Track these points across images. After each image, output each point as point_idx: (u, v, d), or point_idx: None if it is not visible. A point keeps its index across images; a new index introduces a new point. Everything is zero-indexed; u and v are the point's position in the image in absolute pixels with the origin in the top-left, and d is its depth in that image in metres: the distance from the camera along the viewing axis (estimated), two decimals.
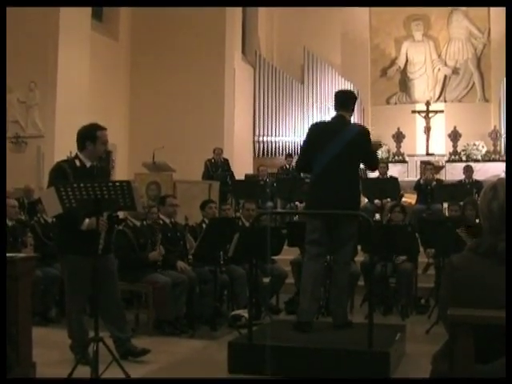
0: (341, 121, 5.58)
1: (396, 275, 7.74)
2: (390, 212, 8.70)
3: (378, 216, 10.25)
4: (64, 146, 9.92)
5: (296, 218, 9.81)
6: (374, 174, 10.98)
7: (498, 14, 16.19)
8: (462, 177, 11.87)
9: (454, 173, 14.50)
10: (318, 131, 5.63)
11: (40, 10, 11.48)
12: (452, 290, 2.38)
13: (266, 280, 7.34)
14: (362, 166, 6.12)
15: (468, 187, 10.74)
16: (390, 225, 8.29)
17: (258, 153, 17.30)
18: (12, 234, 6.86)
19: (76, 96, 12.17)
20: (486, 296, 2.28)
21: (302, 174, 10.25)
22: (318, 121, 7.14)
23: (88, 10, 12.82)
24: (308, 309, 5.41)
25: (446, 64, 17.71)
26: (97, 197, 4.32)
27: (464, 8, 17.21)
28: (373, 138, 5.72)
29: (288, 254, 8.17)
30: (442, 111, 16.87)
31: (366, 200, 10.54)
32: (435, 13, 17.53)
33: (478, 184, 10.79)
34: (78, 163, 4.99)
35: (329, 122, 5.82)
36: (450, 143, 16.63)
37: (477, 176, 12.00)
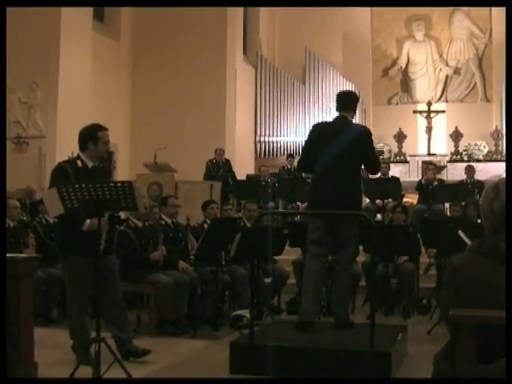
0: (342, 121, 5.58)
1: (397, 275, 7.74)
2: (391, 212, 8.71)
3: (379, 216, 10.25)
4: (65, 147, 9.93)
5: (297, 218, 9.81)
6: (376, 175, 10.97)
7: (499, 14, 16.17)
8: (463, 177, 11.86)
9: (455, 173, 14.47)
10: (319, 131, 5.63)
11: (41, 10, 11.49)
12: (453, 291, 2.38)
13: (268, 280, 7.34)
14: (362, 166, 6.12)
15: (469, 187, 10.74)
16: (391, 225, 8.30)
17: (260, 153, 17.29)
18: (14, 234, 6.87)
19: (77, 96, 12.18)
20: (488, 296, 2.28)
21: (303, 174, 10.25)
22: (320, 121, 7.13)
23: (89, 11, 12.82)
24: (310, 309, 5.41)
25: (447, 64, 17.70)
26: (98, 197, 4.32)
27: (465, 8, 17.19)
28: (374, 138, 5.71)
29: (289, 254, 8.17)
30: (443, 111, 16.85)
31: (368, 200, 10.54)
32: (437, 13, 17.52)
33: (480, 184, 10.78)
34: (79, 163, 4.99)
35: (330, 123, 5.82)
36: (452, 143, 16.61)
37: (478, 176, 12.00)
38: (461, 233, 6.61)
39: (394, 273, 7.72)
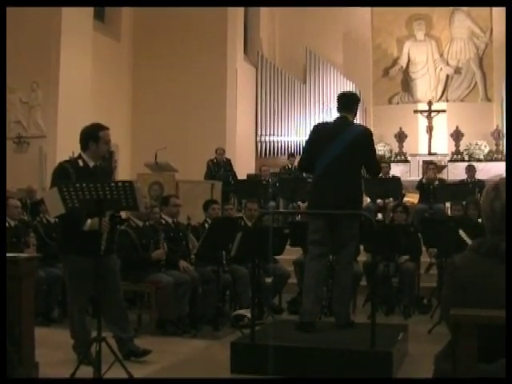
0: (343, 122, 5.58)
1: (398, 275, 7.74)
2: (392, 212, 8.72)
3: (380, 216, 10.26)
4: (66, 146, 9.94)
5: (298, 217, 9.81)
6: None
7: (500, 13, 16.15)
8: (464, 176, 11.86)
9: (456, 172, 14.47)
10: (320, 132, 5.63)
11: (42, 10, 11.50)
12: (454, 290, 2.38)
13: (269, 280, 7.34)
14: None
15: (470, 187, 10.74)
16: (392, 224, 8.30)
17: (261, 153, 17.29)
18: (15, 234, 6.88)
19: (78, 96, 12.19)
20: (488, 296, 2.28)
21: (304, 174, 10.26)
22: (321, 121, 7.13)
23: (90, 11, 12.83)
24: (310, 309, 5.41)
25: (448, 64, 17.70)
26: (99, 197, 4.31)
27: (466, 8, 17.20)
28: (375, 138, 5.70)
29: (290, 254, 8.18)
30: (444, 111, 16.84)
31: (369, 200, 10.54)
32: (437, 12, 17.52)
33: (481, 183, 10.78)
34: (81, 163, 4.99)
35: (331, 123, 5.81)
36: (453, 143, 16.61)
37: (479, 175, 11.99)
38: (461, 232, 6.61)
39: (394, 272, 7.73)
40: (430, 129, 16.53)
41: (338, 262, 5.69)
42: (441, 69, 17.75)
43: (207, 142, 13.36)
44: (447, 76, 17.70)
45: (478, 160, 15.72)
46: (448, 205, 10.39)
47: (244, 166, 14.77)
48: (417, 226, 8.10)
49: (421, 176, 13.03)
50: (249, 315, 6.12)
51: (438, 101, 17.30)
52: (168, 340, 6.15)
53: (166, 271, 6.56)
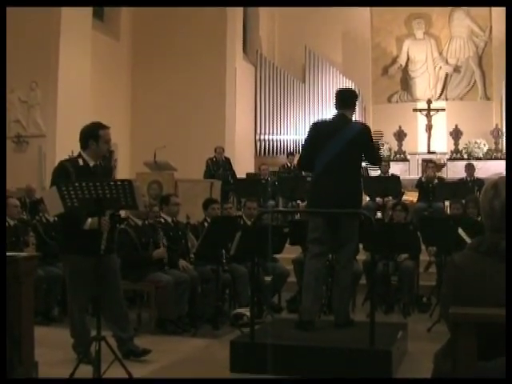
0: (342, 119, 5.58)
1: (398, 273, 7.74)
2: (391, 210, 8.71)
3: (379, 214, 10.25)
4: (65, 146, 9.94)
5: (298, 216, 9.81)
6: (376, 173, 10.99)
7: (499, 12, 16.15)
8: (463, 175, 11.87)
9: (455, 171, 14.49)
10: (319, 130, 5.62)
11: (41, 9, 11.48)
12: (454, 289, 2.38)
13: (268, 279, 7.34)
14: (364, 164, 6.11)
15: (469, 185, 10.75)
16: (391, 223, 8.30)
17: (260, 151, 17.30)
18: (14, 233, 6.87)
19: (77, 95, 12.18)
20: (488, 294, 2.28)
21: (303, 173, 10.25)
22: (319, 119, 7.13)
23: (89, 10, 12.82)
24: (310, 307, 5.41)
25: (447, 62, 17.70)
26: (98, 196, 4.31)
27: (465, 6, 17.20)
28: (374, 135, 5.70)
29: (290, 253, 8.17)
30: (443, 109, 16.84)
31: (368, 198, 10.54)
32: (436, 11, 17.51)
33: (480, 182, 10.78)
34: (81, 162, 4.98)
35: (330, 121, 5.81)
36: (452, 141, 16.63)
37: (478, 174, 12.01)
38: (461, 231, 6.61)
39: (394, 271, 7.72)
40: (429, 127, 16.53)
41: (338, 260, 5.69)
42: (440, 67, 17.75)
43: (206, 141, 13.36)
44: (446, 74, 17.70)
45: (478, 158, 15.75)
46: (447, 203, 10.39)
47: (243, 165, 14.77)
48: (416, 225, 8.09)
49: (420, 174, 13.05)
50: (248, 314, 6.11)
51: (437, 99, 17.30)
52: (168, 339, 6.15)
53: (165, 270, 6.55)
